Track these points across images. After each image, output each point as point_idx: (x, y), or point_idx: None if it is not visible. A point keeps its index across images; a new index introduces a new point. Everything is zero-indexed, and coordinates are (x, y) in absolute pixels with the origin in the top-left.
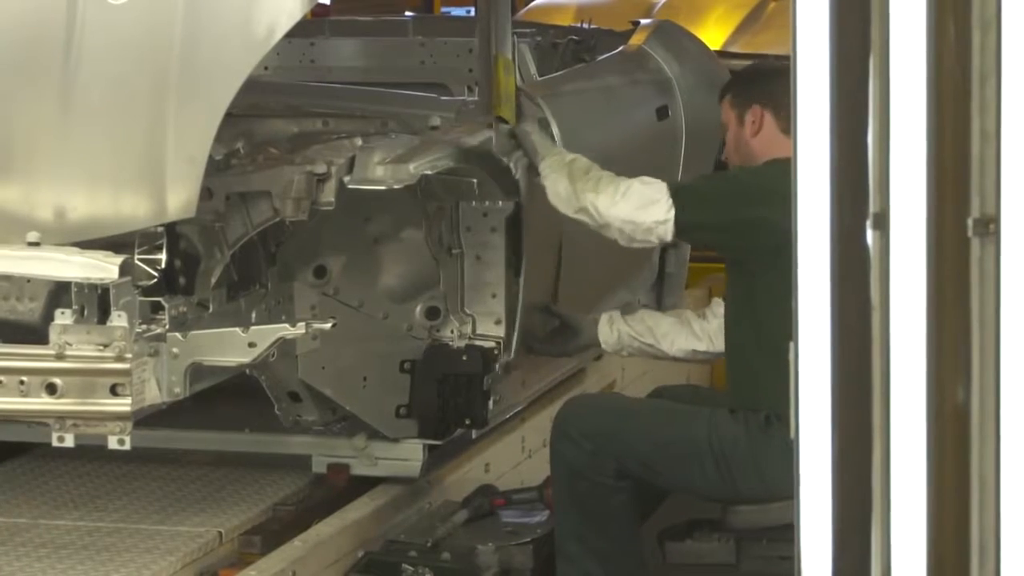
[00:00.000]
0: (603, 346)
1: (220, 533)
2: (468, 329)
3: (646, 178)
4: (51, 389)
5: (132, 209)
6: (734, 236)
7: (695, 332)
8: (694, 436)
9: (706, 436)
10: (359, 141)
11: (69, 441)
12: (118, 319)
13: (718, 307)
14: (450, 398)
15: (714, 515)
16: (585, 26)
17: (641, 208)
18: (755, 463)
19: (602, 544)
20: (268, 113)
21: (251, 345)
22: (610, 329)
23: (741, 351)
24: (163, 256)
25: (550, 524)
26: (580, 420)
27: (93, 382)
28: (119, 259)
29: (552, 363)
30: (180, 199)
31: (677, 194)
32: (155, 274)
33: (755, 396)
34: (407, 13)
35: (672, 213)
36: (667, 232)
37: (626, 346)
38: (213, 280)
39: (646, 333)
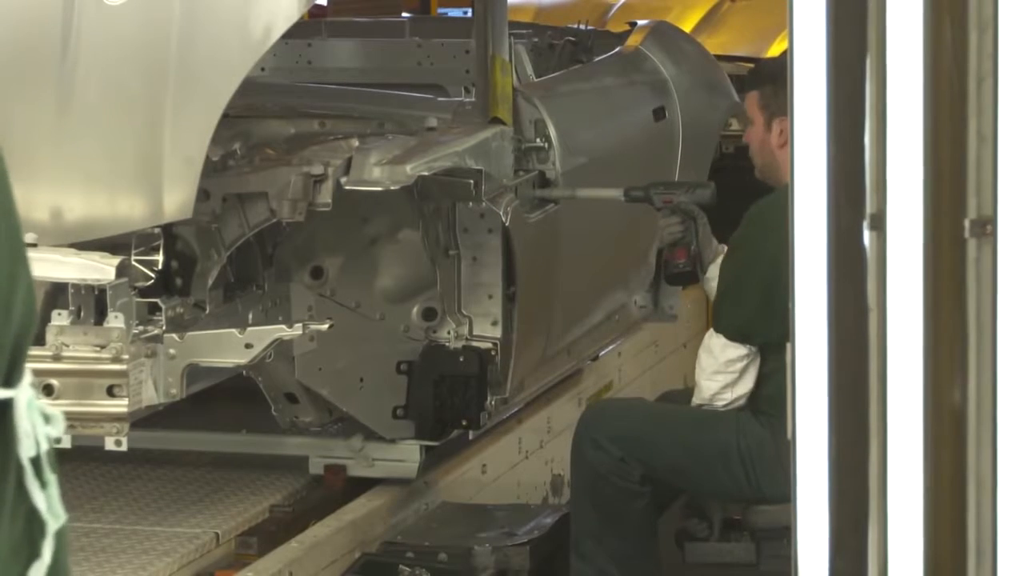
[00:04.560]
0: None
1: (217, 534)
2: (465, 330)
3: (700, 355)
4: (48, 390)
5: (129, 210)
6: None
7: None
8: (722, 439)
9: (734, 439)
10: (356, 142)
11: (66, 442)
12: (115, 320)
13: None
14: (447, 399)
15: (734, 515)
16: (582, 27)
17: (719, 372)
18: (780, 464)
19: (620, 545)
20: (265, 114)
21: (248, 346)
22: None
23: (769, 354)
24: (160, 257)
25: (548, 525)
26: (608, 425)
27: (90, 383)
28: (116, 260)
29: (549, 364)
30: (177, 200)
31: (724, 329)
32: (152, 275)
33: (780, 398)
34: (404, 14)
35: (733, 348)
36: (746, 351)
37: None
38: (210, 281)
39: None
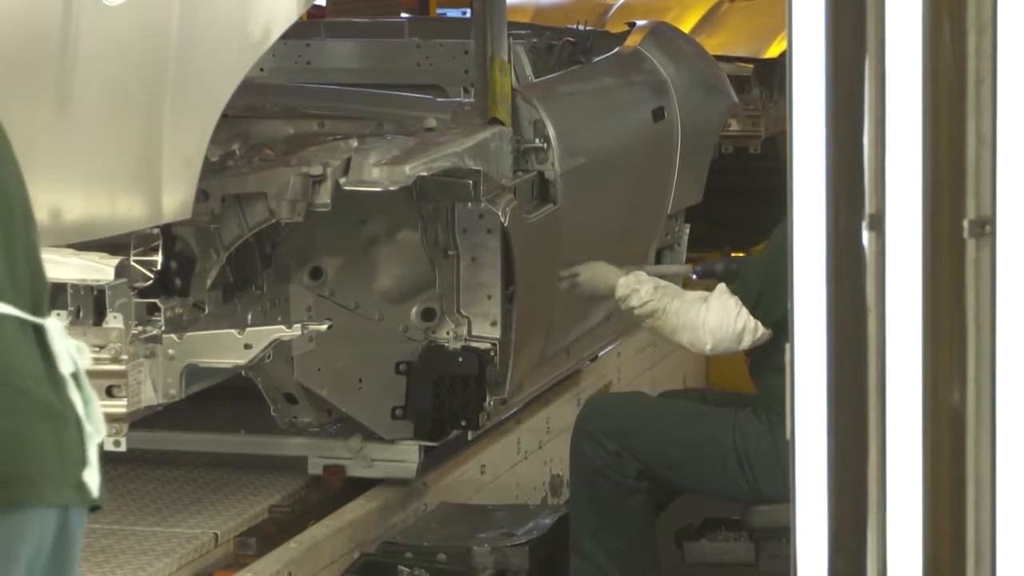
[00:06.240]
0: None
1: (216, 535)
2: (464, 331)
3: (713, 304)
4: None
5: (128, 211)
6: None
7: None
8: (718, 436)
9: (730, 436)
10: (355, 143)
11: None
12: (114, 321)
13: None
14: (446, 399)
15: (733, 515)
16: (581, 27)
17: (727, 331)
18: (778, 462)
19: (618, 543)
20: (264, 115)
21: (247, 347)
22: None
23: (769, 350)
24: (159, 258)
25: (547, 525)
26: (604, 420)
27: None
28: (115, 261)
29: (548, 364)
30: (176, 201)
31: (745, 297)
32: (151, 276)
33: (781, 395)
34: (403, 15)
35: (753, 323)
36: (756, 333)
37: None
38: (209, 282)
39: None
